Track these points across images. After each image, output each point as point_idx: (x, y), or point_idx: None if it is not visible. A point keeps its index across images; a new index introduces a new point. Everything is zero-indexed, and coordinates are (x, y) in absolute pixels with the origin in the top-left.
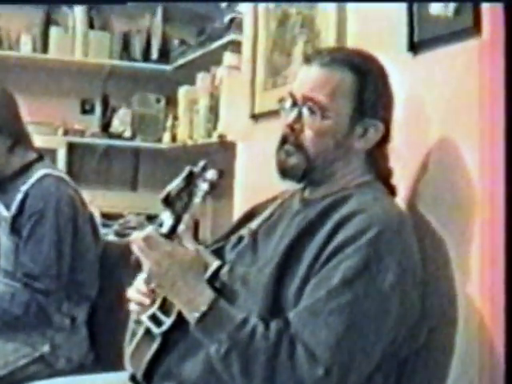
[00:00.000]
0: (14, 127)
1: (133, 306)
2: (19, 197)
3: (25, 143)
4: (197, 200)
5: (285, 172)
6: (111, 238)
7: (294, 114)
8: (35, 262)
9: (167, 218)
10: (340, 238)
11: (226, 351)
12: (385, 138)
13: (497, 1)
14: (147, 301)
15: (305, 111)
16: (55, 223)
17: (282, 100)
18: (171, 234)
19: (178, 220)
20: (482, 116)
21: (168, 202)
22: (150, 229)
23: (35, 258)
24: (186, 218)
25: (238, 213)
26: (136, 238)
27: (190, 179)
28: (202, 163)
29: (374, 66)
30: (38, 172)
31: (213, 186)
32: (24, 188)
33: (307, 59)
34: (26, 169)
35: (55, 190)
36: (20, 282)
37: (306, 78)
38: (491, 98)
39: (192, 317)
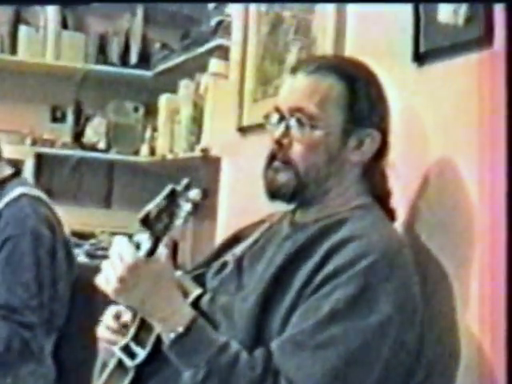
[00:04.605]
0: None
1: (103, 346)
2: None
3: None
4: (178, 221)
5: (273, 192)
6: (82, 259)
7: (281, 128)
8: (14, 293)
9: (145, 241)
10: (332, 265)
11: (203, 378)
12: (382, 152)
13: (501, 1)
14: (119, 338)
15: (293, 123)
16: (34, 249)
17: (267, 116)
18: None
19: (156, 243)
20: (484, 133)
21: (147, 223)
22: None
23: (13, 288)
24: (165, 240)
25: (220, 235)
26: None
27: (172, 198)
28: (185, 181)
29: (364, 72)
30: (14, 190)
31: (196, 206)
32: None
33: (292, 70)
34: (0, 185)
35: (32, 211)
36: None
37: (291, 88)
38: (494, 112)
39: (167, 338)
